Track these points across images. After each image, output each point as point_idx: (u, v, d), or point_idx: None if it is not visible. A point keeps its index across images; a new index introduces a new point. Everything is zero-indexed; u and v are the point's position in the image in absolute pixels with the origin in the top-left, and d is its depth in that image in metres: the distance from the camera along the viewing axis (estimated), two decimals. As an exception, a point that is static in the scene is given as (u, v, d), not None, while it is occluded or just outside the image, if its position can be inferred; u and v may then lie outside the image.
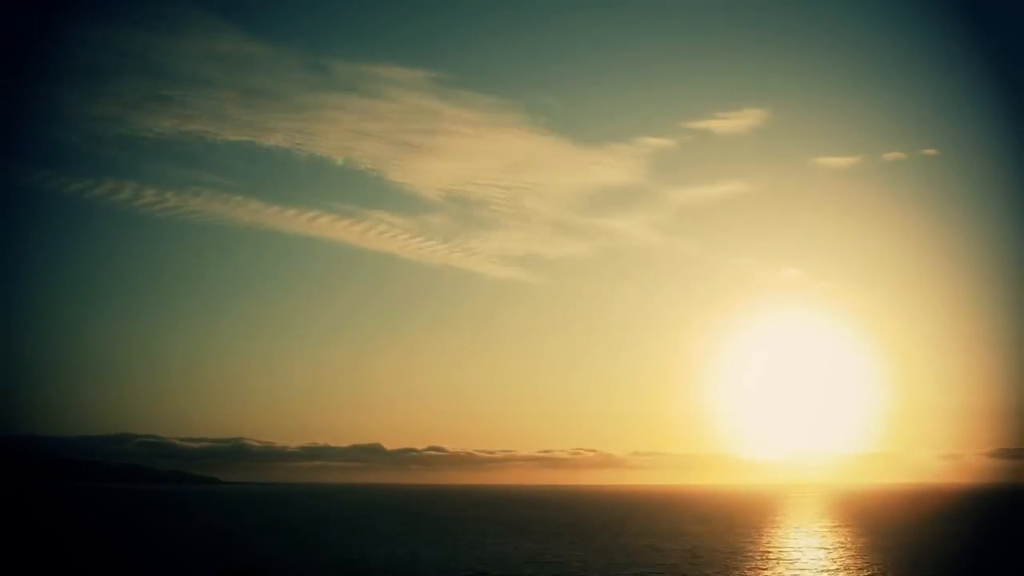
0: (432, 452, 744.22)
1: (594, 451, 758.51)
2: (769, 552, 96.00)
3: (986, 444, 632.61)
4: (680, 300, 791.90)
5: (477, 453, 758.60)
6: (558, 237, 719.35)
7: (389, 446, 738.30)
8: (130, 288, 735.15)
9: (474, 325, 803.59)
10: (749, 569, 79.63)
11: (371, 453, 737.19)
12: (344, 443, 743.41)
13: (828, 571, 79.16)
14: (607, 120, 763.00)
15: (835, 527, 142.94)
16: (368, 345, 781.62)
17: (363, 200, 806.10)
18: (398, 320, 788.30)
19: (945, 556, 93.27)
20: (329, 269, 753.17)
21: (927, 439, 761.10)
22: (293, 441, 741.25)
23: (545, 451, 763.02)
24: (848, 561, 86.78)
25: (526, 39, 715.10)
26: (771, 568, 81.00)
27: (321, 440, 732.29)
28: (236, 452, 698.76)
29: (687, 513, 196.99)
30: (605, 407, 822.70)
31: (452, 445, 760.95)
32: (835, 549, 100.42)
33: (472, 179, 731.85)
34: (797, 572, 78.61)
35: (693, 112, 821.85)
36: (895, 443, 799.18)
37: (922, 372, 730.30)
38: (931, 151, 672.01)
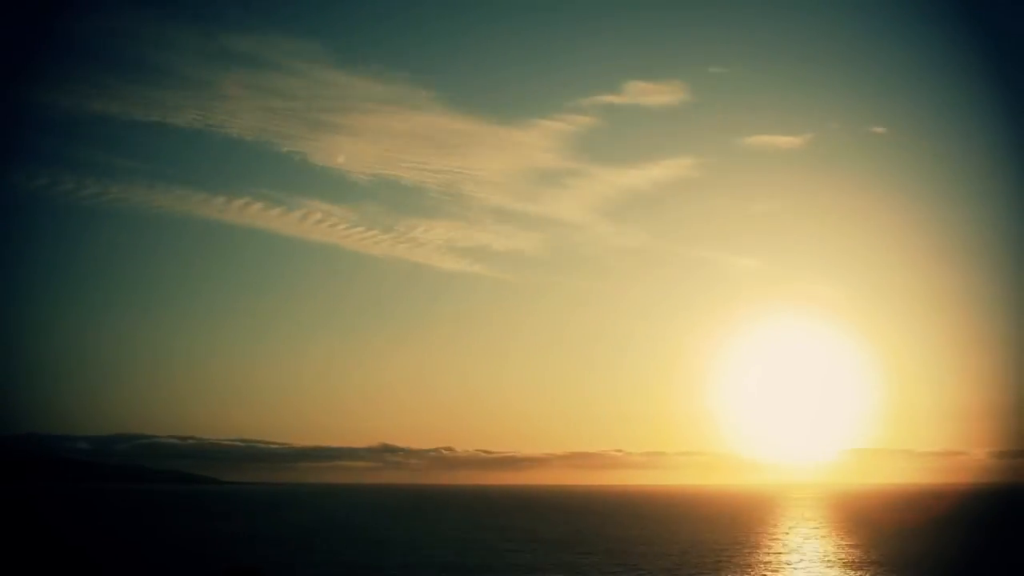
0: (430, 452, 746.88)
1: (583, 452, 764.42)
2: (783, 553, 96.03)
3: (980, 444, 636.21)
4: (642, 295, 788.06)
5: (480, 453, 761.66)
6: (503, 226, 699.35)
7: (404, 445, 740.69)
8: (131, 288, 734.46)
9: (446, 321, 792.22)
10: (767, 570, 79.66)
11: (375, 453, 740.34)
12: (346, 444, 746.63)
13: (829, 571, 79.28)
14: (525, 96, 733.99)
15: (842, 528, 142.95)
16: (344, 344, 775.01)
17: (291, 186, 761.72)
18: (369, 319, 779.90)
19: (942, 556, 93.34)
20: (273, 262, 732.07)
21: (920, 438, 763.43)
22: (294, 441, 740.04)
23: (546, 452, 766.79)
24: (848, 561, 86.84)
25: (427, 8, 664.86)
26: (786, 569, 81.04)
27: (324, 440, 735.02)
28: (236, 452, 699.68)
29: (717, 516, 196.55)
30: (588, 406, 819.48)
31: (456, 445, 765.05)
32: (844, 549, 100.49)
33: (399, 160, 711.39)
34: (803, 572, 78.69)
35: (616, 85, 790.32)
36: (887, 442, 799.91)
37: (909, 370, 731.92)
38: (880, 129, 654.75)
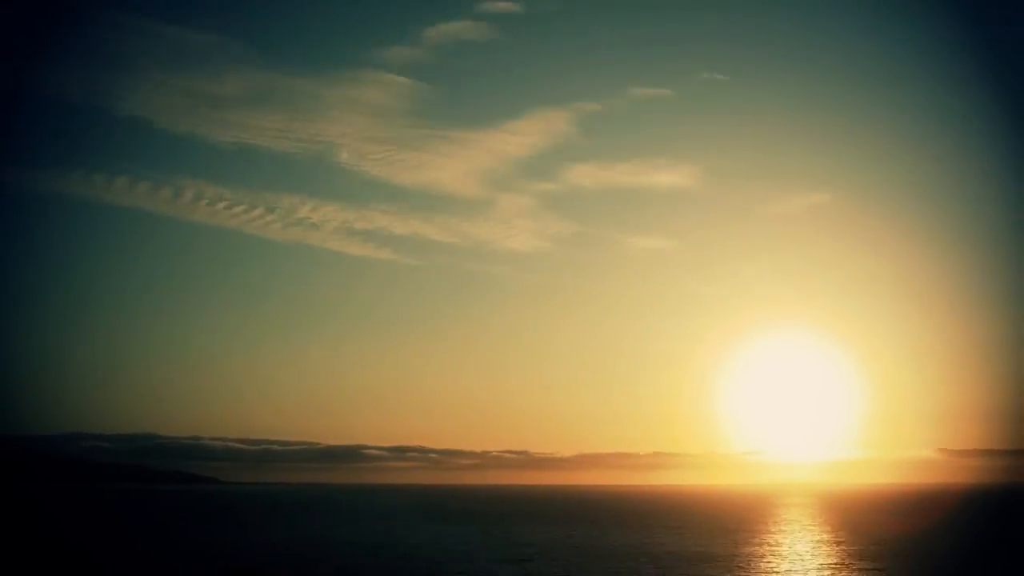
0: (417, 452, 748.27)
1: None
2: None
3: (971, 444, 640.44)
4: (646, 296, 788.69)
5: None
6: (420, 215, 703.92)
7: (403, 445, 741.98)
8: (129, 287, 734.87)
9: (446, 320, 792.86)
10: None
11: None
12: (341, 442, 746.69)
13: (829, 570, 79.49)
14: (338, 45, 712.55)
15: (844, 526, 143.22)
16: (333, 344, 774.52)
17: (164, 162, 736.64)
18: (367, 319, 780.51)
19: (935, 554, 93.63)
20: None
21: (910, 440, 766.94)
22: (296, 441, 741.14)
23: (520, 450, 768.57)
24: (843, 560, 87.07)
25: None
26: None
27: (325, 440, 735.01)
28: (237, 452, 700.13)
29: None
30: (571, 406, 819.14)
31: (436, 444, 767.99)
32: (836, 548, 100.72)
33: (260, 128, 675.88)
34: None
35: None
36: (878, 445, 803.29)
37: (901, 374, 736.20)
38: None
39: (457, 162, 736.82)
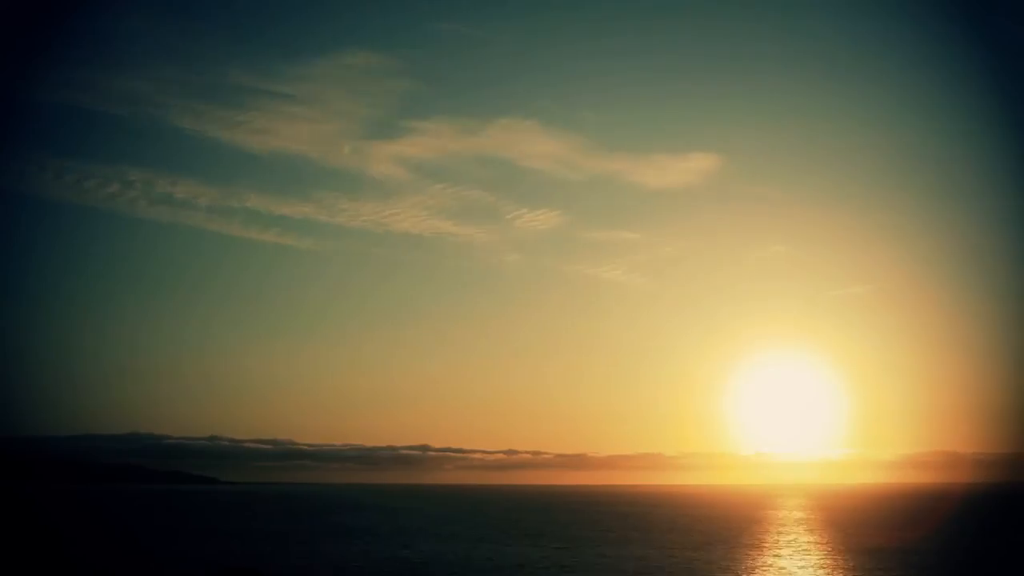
0: (414, 452, 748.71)
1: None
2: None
3: (962, 445, 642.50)
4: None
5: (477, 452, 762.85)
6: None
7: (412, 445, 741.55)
8: (131, 287, 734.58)
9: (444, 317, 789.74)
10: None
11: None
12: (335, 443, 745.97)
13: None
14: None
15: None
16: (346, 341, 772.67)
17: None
18: (367, 319, 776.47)
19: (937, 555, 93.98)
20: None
21: (898, 439, 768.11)
22: (296, 440, 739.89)
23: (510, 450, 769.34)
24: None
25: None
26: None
27: (325, 440, 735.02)
28: (237, 452, 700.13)
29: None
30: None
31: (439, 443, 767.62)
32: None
33: (158, 99, 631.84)
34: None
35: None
36: (867, 444, 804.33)
37: (895, 374, 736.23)
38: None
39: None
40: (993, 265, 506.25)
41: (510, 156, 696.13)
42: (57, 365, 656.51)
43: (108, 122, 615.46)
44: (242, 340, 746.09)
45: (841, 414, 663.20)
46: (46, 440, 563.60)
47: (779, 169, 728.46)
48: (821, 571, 78.99)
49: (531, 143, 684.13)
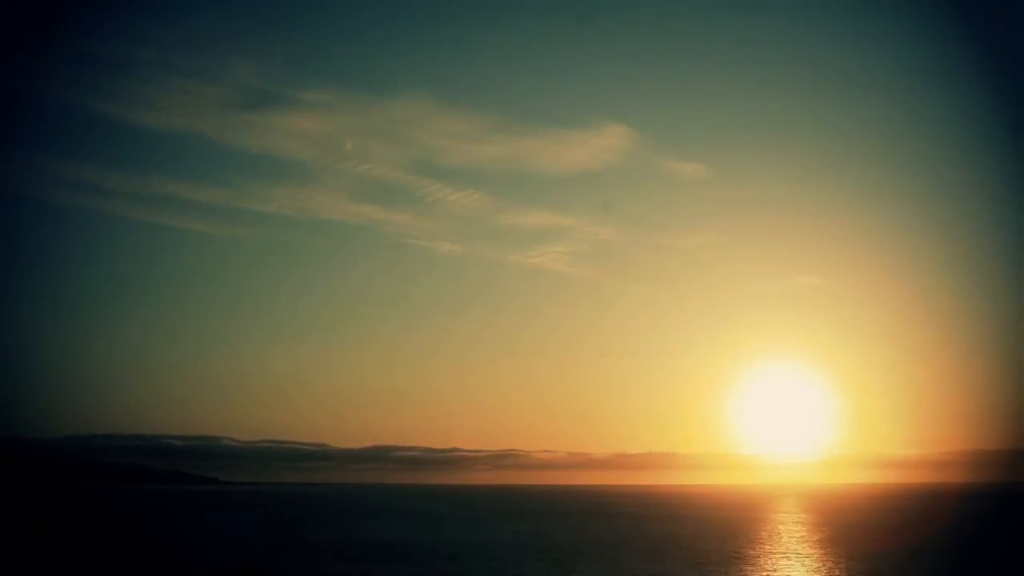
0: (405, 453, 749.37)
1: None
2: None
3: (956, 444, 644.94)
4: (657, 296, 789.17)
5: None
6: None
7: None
8: (129, 287, 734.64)
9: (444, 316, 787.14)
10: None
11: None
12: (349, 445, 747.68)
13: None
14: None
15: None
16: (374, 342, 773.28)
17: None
18: (366, 318, 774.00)
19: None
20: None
21: (889, 439, 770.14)
22: (298, 441, 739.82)
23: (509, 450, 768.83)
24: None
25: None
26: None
27: (322, 441, 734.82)
28: (238, 452, 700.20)
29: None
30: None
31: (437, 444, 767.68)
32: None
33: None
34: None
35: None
36: (859, 444, 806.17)
37: (890, 375, 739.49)
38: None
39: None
40: (978, 266, 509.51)
41: (416, 134, 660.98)
42: (60, 367, 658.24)
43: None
44: (244, 340, 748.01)
45: (833, 415, 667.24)
46: (50, 441, 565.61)
47: (706, 145, 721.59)
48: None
49: (436, 120, 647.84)
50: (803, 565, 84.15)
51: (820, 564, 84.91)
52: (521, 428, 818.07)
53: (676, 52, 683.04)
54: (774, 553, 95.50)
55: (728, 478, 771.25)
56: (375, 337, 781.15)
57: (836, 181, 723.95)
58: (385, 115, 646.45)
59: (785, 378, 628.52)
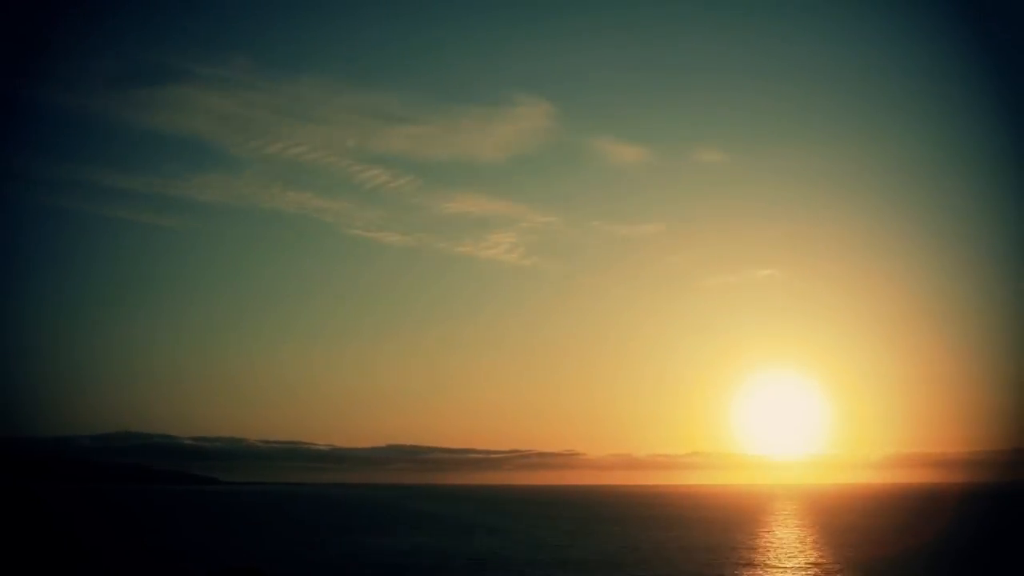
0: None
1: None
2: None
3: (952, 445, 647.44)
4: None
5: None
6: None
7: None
8: (129, 287, 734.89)
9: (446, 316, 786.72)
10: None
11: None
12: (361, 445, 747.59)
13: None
14: None
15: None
16: (374, 342, 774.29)
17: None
18: (364, 318, 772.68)
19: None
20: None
21: (881, 440, 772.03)
22: (297, 441, 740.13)
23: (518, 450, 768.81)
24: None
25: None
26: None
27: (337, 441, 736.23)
28: (238, 452, 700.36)
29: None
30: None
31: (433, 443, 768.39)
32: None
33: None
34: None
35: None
36: (851, 444, 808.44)
37: (884, 377, 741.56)
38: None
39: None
40: (974, 264, 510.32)
41: (325, 112, 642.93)
42: (63, 367, 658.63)
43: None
44: (244, 341, 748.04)
45: (827, 416, 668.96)
46: (54, 440, 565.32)
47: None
48: None
49: (344, 98, 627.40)
50: (804, 569, 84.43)
51: (820, 565, 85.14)
52: (521, 429, 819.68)
53: (613, 25, 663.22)
54: (778, 556, 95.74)
55: (722, 478, 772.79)
56: (376, 337, 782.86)
57: (822, 179, 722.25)
58: (295, 91, 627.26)
59: (779, 379, 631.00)
